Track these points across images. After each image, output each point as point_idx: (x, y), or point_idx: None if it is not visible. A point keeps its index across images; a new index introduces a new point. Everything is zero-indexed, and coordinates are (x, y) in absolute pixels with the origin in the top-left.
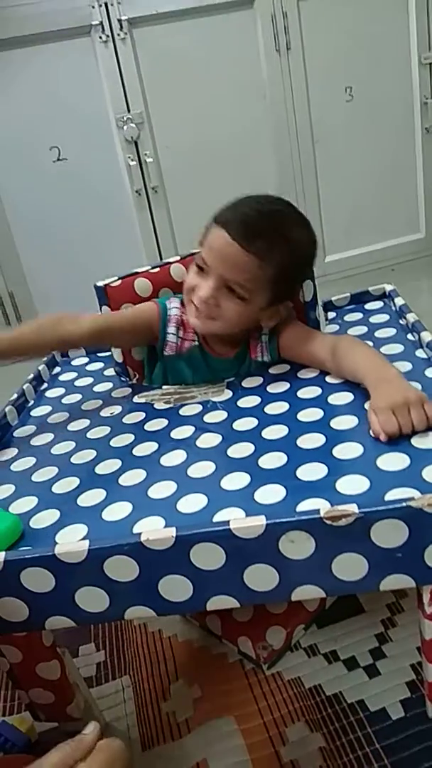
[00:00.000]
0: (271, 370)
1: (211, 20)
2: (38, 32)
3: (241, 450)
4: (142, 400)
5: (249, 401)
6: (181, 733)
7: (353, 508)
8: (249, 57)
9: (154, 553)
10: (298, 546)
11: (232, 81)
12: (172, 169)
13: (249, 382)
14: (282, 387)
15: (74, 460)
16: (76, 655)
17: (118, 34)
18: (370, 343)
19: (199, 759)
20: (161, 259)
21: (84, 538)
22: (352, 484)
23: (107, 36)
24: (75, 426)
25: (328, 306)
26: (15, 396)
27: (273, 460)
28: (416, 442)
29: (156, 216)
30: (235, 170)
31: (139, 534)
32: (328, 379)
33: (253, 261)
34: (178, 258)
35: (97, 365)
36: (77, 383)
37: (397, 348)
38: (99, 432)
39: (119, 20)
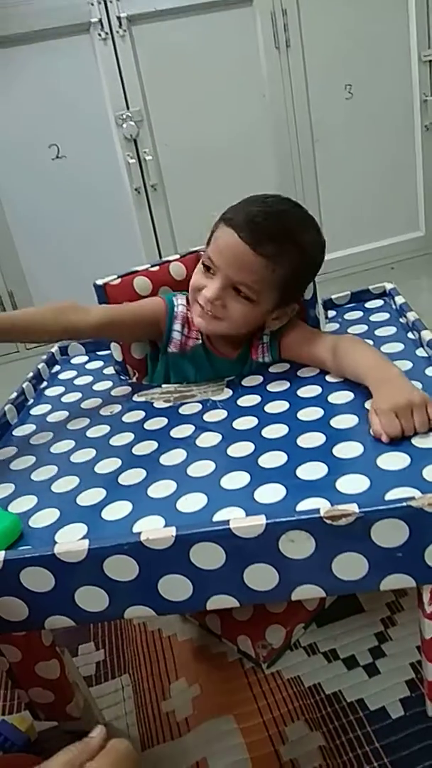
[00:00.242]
0: (271, 369)
1: (210, 17)
2: (37, 29)
3: (241, 449)
4: (142, 399)
5: (249, 400)
6: (181, 731)
7: (353, 507)
8: (248, 54)
9: (154, 552)
10: (298, 545)
11: (231, 78)
12: (171, 167)
13: (249, 381)
14: (282, 386)
15: (74, 459)
16: (76, 654)
17: (117, 32)
18: (371, 342)
19: (198, 758)
20: (161, 257)
21: (83, 538)
22: (353, 484)
23: (106, 33)
24: (74, 425)
25: (328, 304)
26: (14, 395)
27: (273, 460)
28: (417, 441)
29: (155, 214)
30: (235, 168)
31: (139, 533)
32: (328, 378)
33: (261, 263)
34: (177, 256)
35: (97, 364)
36: (77, 382)
37: (397, 347)
38: (98, 431)
39: (118, 17)
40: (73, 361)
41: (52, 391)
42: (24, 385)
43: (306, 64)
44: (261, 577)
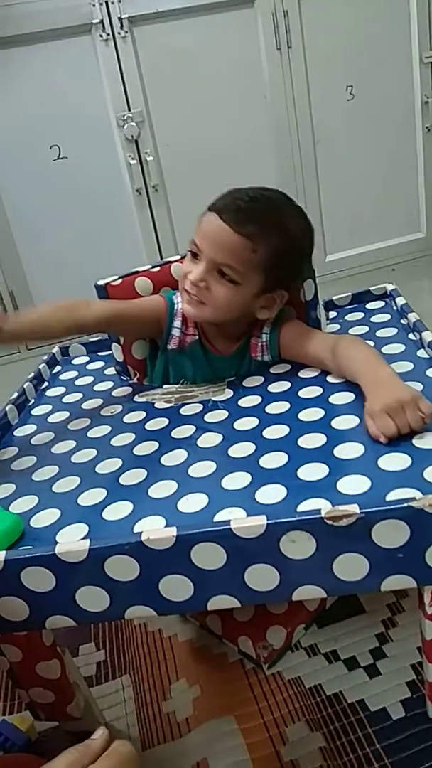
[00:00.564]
0: (272, 370)
1: (211, 19)
2: (39, 30)
3: (241, 449)
4: (143, 399)
5: (250, 401)
6: (181, 732)
7: (354, 508)
8: (250, 56)
9: (155, 552)
10: (298, 546)
11: (232, 80)
12: (172, 167)
13: (250, 382)
14: (283, 386)
15: (75, 459)
16: (76, 654)
17: (119, 33)
18: (372, 343)
19: (199, 758)
20: (162, 258)
21: (84, 538)
22: (353, 484)
23: (108, 34)
24: (75, 425)
25: (329, 305)
26: (15, 395)
27: (274, 460)
28: (417, 442)
29: (156, 215)
30: (236, 169)
31: (140, 533)
32: (329, 378)
33: (244, 243)
34: (178, 257)
35: (98, 364)
36: (78, 382)
37: (398, 348)
38: (99, 431)
39: (120, 18)
40: (74, 361)
41: (53, 392)
42: (25, 386)
43: (307, 66)
44: (262, 577)
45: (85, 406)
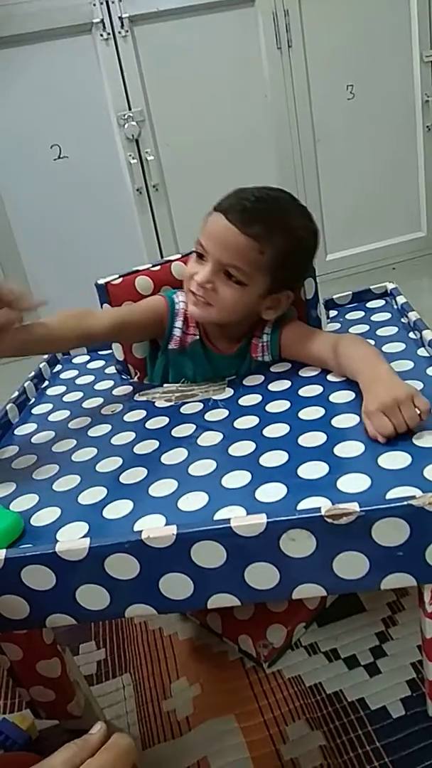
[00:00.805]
0: (273, 369)
1: (212, 18)
2: (39, 30)
3: (242, 448)
4: (143, 398)
5: (250, 399)
6: (182, 731)
7: (354, 506)
8: (250, 55)
9: (155, 551)
10: (299, 544)
11: (233, 79)
12: (173, 167)
13: (250, 381)
14: (283, 385)
15: (75, 458)
16: (77, 653)
17: (119, 32)
18: (372, 342)
19: (199, 757)
20: (162, 257)
21: (85, 536)
22: (353, 483)
23: (108, 34)
24: (76, 424)
25: (330, 304)
26: (16, 394)
27: (274, 459)
28: (417, 440)
29: (157, 214)
30: (236, 168)
31: (140, 532)
32: (329, 377)
33: (250, 244)
34: (179, 256)
35: (98, 363)
36: (78, 381)
37: (398, 346)
38: (100, 430)
39: (120, 18)
40: (75, 360)
41: (53, 391)
42: (25, 384)
43: (308, 65)
44: (262, 575)
45: (85, 404)
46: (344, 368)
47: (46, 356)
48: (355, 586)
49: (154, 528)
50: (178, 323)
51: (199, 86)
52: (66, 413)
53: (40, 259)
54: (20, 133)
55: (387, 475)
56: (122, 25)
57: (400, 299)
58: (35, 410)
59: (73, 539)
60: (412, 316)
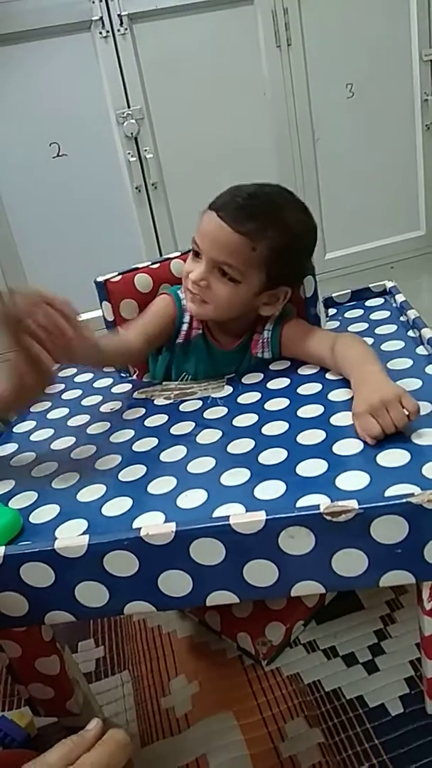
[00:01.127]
0: (272, 367)
1: (211, 16)
2: (38, 27)
3: (241, 446)
4: (142, 396)
5: (249, 397)
6: (181, 728)
7: (353, 503)
8: (249, 53)
9: (154, 548)
10: (297, 541)
11: (232, 77)
12: (172, 165)
13: (249, 379)
14: (282, 383)
15: (74, 455)
16: (76, 650)
17: (118, 30)
18: (371, 340)
19: (198, 754)
20: (161, 255)
21: (84, 533)
22: (352, 480)
23: (107, 32)
24: (75, 421)
25: (329, 302)
26: None
27: (273, 456)
28: (416, 438)
29: (156, 212)
30: (236, 167)
31: (139, 529)
32: (328, 375)
33: (243, 242)
34: (178, 254)
35: None
36: (77, 379)
37: (397, 345)
38: (99, 427)
39: (119, 16)
40: None
41: (52, 388)
42: None
43: (307, 63)
44: (261, 572)
45: (84, 402)
46: (339, 368)
47: None
48: (353, 583)
49: (153, 525)
50: (186, 318)
51: (198, 84)
52: (65, 411)
53: (39, 257)
54: (19, 131)
55: (386, 473)
56: (121, 23)
57: (399, 297)
58: (34, 408)
59: (72, 536)
60: (411, 314)
